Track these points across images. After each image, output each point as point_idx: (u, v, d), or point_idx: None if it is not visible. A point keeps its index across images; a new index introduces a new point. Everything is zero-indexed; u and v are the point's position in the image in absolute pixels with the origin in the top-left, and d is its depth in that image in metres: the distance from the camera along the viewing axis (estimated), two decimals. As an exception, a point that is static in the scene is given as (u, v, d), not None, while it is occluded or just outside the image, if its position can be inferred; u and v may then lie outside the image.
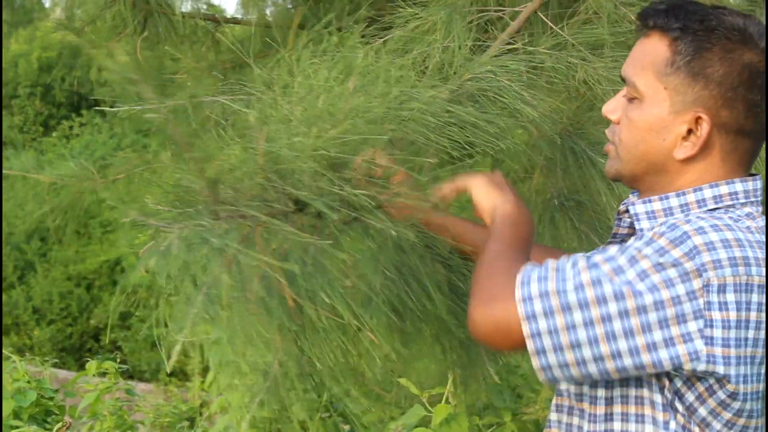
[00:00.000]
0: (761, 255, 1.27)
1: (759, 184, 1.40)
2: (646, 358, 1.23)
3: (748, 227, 1.31)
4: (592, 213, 2.36)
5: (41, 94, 13.43)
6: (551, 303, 1.24)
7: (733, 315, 1.23)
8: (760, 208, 1.40)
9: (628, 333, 1.22)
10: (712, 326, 1.22)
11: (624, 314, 1.22)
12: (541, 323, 1.24)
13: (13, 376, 3.06)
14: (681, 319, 1.22)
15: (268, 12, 3.70)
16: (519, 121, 1.79)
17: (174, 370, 9.40)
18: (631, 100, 1.40)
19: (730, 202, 1.38)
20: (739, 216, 1.35)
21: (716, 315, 1.22)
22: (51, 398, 3.10)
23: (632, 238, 1.36)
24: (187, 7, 3.11)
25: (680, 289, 1.22)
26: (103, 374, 3.35)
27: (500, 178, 1.52)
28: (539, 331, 1.24)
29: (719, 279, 1.23)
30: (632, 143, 1.40)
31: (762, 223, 1.35)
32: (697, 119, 1.36)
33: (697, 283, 1.22)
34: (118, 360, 3.40)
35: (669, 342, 1.22)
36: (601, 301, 1.23)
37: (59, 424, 2.89)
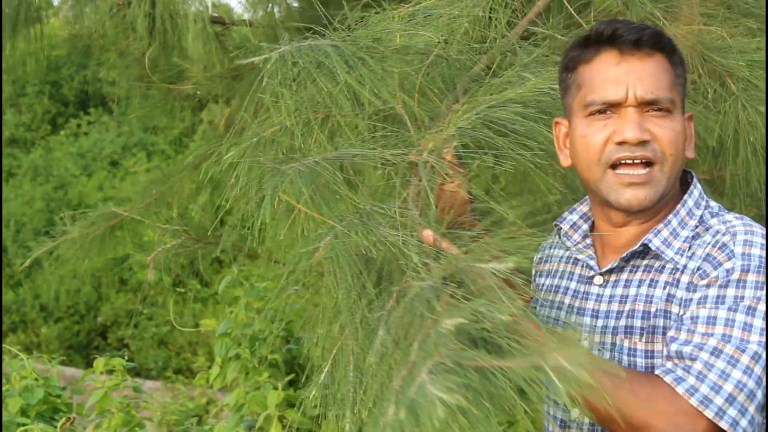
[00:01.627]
0: None
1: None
2: None
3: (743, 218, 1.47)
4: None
5: (49, 92, 13.45)
6: (739, 400, 1.34)
7: None
8: None
9: None
10: None
11: None
12: (743, 422, 1.35)
13: (21, 374, 3.08)
14: None
15: (276, 11, 3.68)
16: None
17: (181, 367, 9.42)
18: (660, 115, 1.50)
19: (704, 202, 1.54)
20: (725, 213, 1.50)
21: None
22: (58, 396, 3.11)
23: (681, 275, 1.46)
24: (193, 8, 3.11)
25: None
26: (111, 372, 3.36)
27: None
28: (744, 428, 1.35)
29: None
30: (677, 154, 1.51)
31: None
32: (690, 118, 1.55)
33: None
34: (126, 358, 3.42)
35: None
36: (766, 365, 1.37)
37: (64, 419, 2.90)
